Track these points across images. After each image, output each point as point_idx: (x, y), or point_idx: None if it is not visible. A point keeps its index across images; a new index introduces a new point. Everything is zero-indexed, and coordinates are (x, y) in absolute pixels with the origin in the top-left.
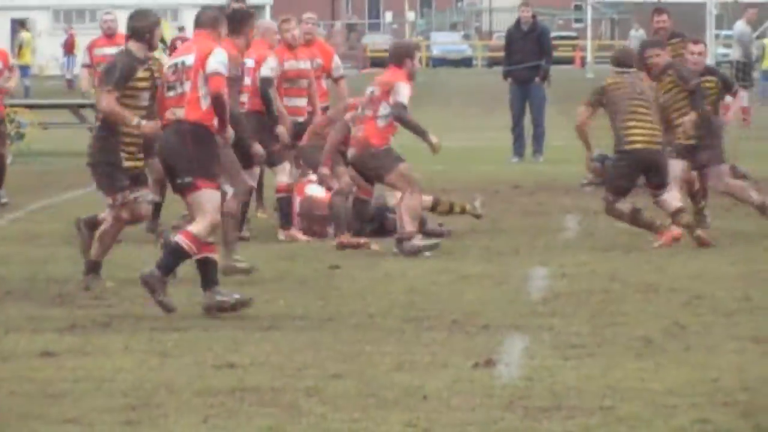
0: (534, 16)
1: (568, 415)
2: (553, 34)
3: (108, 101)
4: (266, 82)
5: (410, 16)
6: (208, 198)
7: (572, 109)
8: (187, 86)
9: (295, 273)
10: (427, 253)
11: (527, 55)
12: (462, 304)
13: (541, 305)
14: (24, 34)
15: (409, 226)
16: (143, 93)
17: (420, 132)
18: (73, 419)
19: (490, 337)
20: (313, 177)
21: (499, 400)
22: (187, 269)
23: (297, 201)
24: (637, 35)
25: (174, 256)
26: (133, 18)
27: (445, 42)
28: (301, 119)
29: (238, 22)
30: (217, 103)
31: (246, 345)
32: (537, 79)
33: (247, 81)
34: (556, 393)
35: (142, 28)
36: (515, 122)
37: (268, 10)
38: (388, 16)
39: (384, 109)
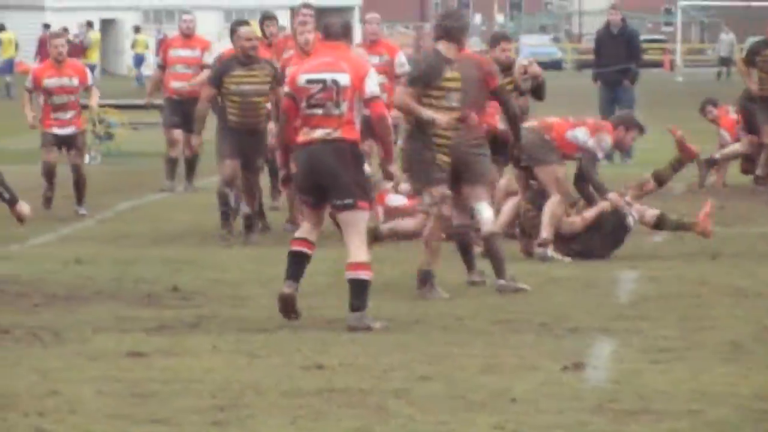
0: (623, 19)
1: (656, 418)
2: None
3: (401, 97)
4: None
5: (499, 18)
6: (363, 218)
7: (661, 111)
8: (344, 107)
9: (383, 275)
10: (567, 260)
11: (616, 58)
12: (550, 307)
13: (630, 308)
14: (91, 35)
15: (545, 231)
16: (452, 93)
17: None
18: (161, 419)
19: (578, 340)
20: (389, 185)
21: (587, 403)
22: (271, 272)
23: (380, 211)
24: (727, 38)
25: (363, 291)
26: (445, 18)
27: (535, 44)
28: None
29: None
30: (381, 126)
31: (334, 346)
32: (626, 82)
33: None
34: (644, 396)
35: (455, 28)
36: None
37: (356, 11)
38: (477, 19)
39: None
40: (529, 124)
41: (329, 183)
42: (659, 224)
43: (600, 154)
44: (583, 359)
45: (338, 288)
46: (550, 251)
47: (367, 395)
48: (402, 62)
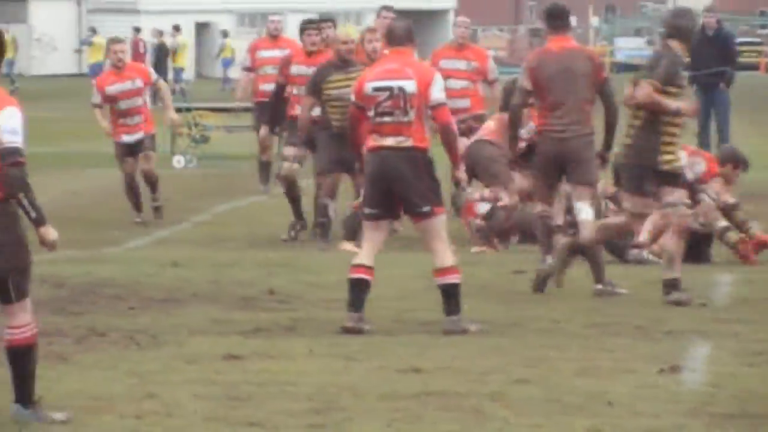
0: (719, 22)
1: (752, 422)
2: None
3: (648, 92)
4: None
5: (594, 21)
6: (442, 223)
7: (757, 115)
8: (413, 114)
9: (479, 277)
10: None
11: (712, 60)
12: (646, 310)
13: (726, 312)
14: (179, 38)
15: (643, 236)
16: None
17: None
18: (257, 422)
19: (674, 343)
20: (477, 194)
21: (684, 406)
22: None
23: (473, 223)
24: None
25: (453, 295)
26: (676, 16)
27: (629, 47)
28: None
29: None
30: (447, 133)
31: (430, 349)
32: (721, 85)
33: None
34: (742, 400)
35: (686, 27)
36: (701, 128)
37: (451, 14)
38: (572, 21)
39: None
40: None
41: (402, 191)
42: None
43: (689, 176)
44: (680, 362)
45: (433, 291)
46: (645, 252)
47: (463, 398)
48: (493, 68)
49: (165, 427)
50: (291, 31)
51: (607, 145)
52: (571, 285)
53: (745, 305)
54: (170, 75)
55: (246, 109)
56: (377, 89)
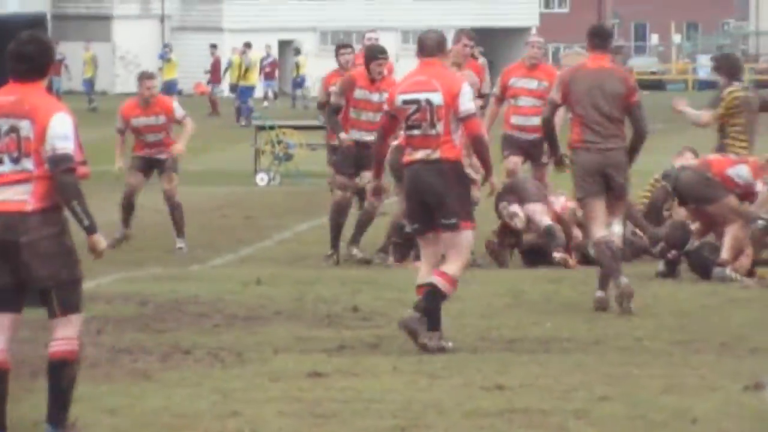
0: None
1: None
2: None
3: None
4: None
5: (676, 38)
6: (467, 239)
7: None
8: (440, 127)
9: (561, 295)
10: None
11: None
12: (730, 327)
13: None
14: (251, 55)
15: (726, 252)
16: None
17: None
18: None
19: (759, 360)
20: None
21: None
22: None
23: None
24: None
25: (433, 299)
26: None
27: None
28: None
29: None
30: (478, 144)
31: (514, 367)
32: None
33: None
34: None
35: None
36: None
37: (533, 31)
38: (654, 39)
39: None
40: (687, 163)
41: (433, 202)
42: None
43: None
44: (764, 379)
45: (516, 308)
46: (728, 270)
47: (547, 416)
48: (487, 82)
49: None
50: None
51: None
52: (654, 302)
53: None
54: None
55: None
56: (406, 102)
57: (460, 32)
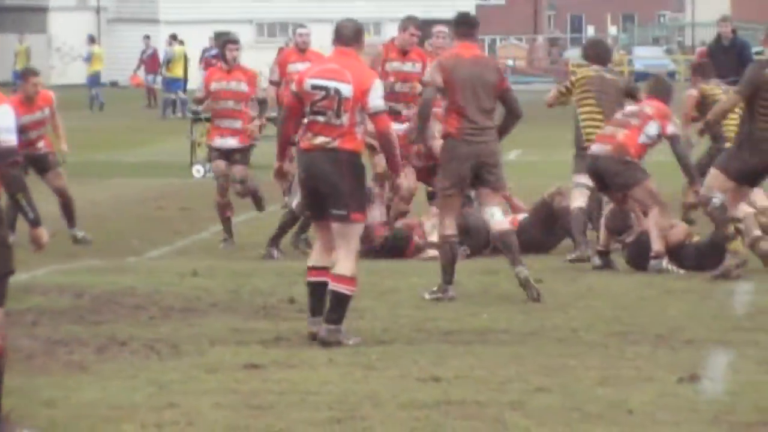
0: (734, 31)
1: None
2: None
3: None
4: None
5: (612, 30)
6: (357, 231)
7: None
8: (345, 118)
9: (498, 287)
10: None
11: (728, 70)
12: (666, 319)
13: (746, 320)
14: (176, 48)
15: (656, 244)
16: None
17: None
18: (278, 431)
19: (694, 351)
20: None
21: (704, 415)
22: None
23: None
24: None
25: (340, 305)
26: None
27: (648, 56)
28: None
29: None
30: (385, 141)
31: (450, 358)
32: None
33: None
34: (762, 409)
35: None
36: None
37: None
38: (591, 31)
39: (652, 130)
40: (603, 149)
41: (326, 191)
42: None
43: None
44: (700, 371)
45: (453, 300)
46: (665, 263)
47: (483, 407)
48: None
49: None
50: (318, 42)
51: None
52: (590, 294)
53: (766, 314)
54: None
55: (269, 119)
56: (315, 87)
57: (407, 21)
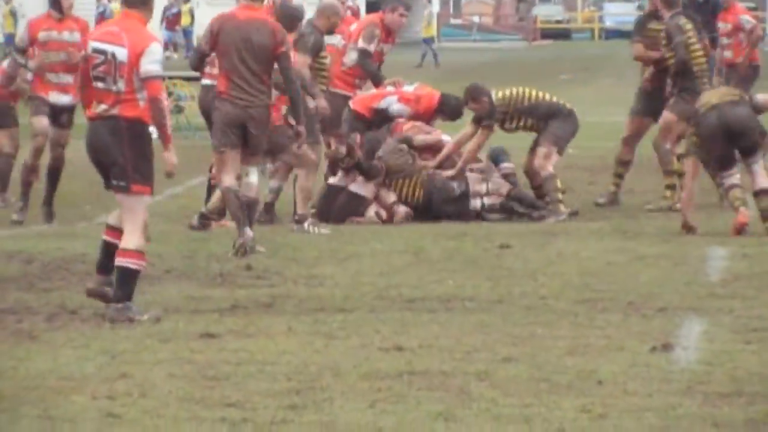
0: None
1: (749, 401)
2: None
3: None
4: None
5: None
6: (142, 202)
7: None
8: (122, 84)
9: (464, 252)
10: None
11: (703, 26)
12: (638, 286)
13: (721, 287)
14: (113, 5)
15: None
16: None
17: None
18: (234, 403)
19: (667, 319)
20: None
21: (677, 385)
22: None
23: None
24: None
25: (127, 281)
26: None
27: (619, 13)
28: None
29: None
30: (153, 108)
31: (414, 327)
32: (713, 52)
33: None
34: (737, 378)
35: None
36: None
37: None
38: None
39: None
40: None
41: (107, 162)
42: None
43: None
44: (673, 340)
45: (417, 267)
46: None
47: (448, 377)
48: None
49: (139, 408)
50: None
51: (296, 116)
52: (559, 260)
53: (741, 280)
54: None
55: None
56: (95, 50)
57: (397, 2)
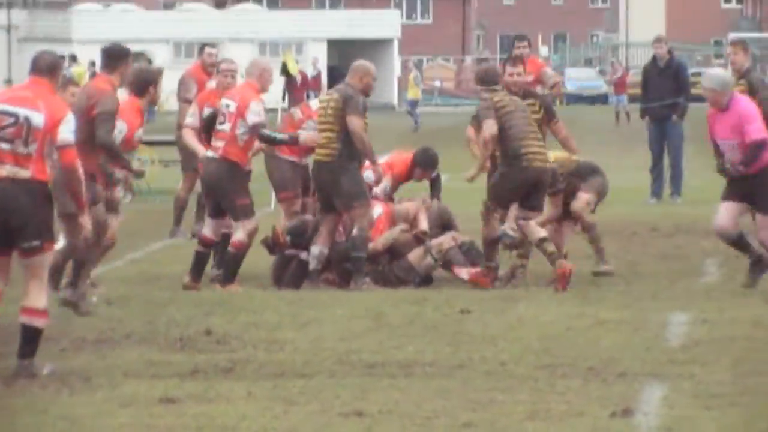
0: (670, 52)
1: None
2: (692, 70)
3: None
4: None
5: (543, 50)
6: (47, 261)
7: (711, 148)
8: (33, 148)
9: (424, 317)
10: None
11: (664, 92)
12: (598, 351)
13: (681, 352)
14: (74, 69)
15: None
16: None
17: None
18: None
19: (627, 385)
20: None
21: None
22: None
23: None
24: None
25: (33, 339)
26: None
27: (580, 78)
28: None
29: (113, 58)
30: (71, 177)
31: (374, 392)
32: (674, 117)
33: (226, 126)
34: None
35: None
36: (654, 162)
37: (395, 43)
38: None
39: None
40: None
41: (16, 224)
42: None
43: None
44: (633, 405)
45: (378, 332)
46: None
47: None
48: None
49: None
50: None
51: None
52: (520, 325)
53: (701, 346)
54: None
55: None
56: (3, 112)
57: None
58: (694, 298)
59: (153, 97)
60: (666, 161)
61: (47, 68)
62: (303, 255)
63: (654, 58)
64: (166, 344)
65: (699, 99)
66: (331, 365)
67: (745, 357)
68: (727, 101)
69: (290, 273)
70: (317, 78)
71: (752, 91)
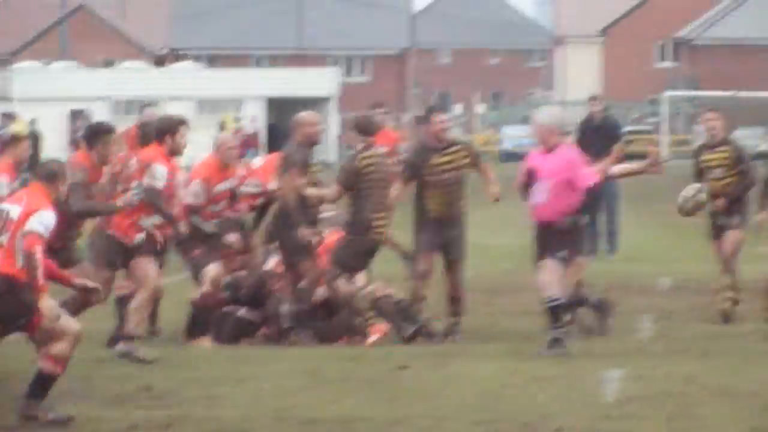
0: (605, 110)
1: None
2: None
3: None
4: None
5: (480, 108)
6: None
7: (647, 205)
8: (5, 238)
9: (361, 373)
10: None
11: (599, 150)
12: (534, 407)
13: (616, 408)
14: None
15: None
16: None
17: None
18: None
19: None
20: None
21: None
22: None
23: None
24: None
25: (44, 384)
26: None
27: (517, 136)
28: None
29: (92, 136)
30: (28, 263)
31: None
32: None
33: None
34: None
35: None
36: (589, 220)
37: (333, 102)
38: (458, 109)
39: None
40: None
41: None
42: None
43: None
44: None
45: (315, 388)
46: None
47: None
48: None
49: None
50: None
51: None
52: (456, 381)
53: (636, 401)
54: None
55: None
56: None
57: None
58: (629, 354)
59: (172, 147)
60: (602, 218)
61: (44, 175)
62: (240, 311)
63: (589, 116)
64: (104, 400)
65: (636, 156)
66: (269, 421)
67: (680, 413)
68: (556, 143)
69: (228, 329)
70: (254, 136)
71: (738, 160)
